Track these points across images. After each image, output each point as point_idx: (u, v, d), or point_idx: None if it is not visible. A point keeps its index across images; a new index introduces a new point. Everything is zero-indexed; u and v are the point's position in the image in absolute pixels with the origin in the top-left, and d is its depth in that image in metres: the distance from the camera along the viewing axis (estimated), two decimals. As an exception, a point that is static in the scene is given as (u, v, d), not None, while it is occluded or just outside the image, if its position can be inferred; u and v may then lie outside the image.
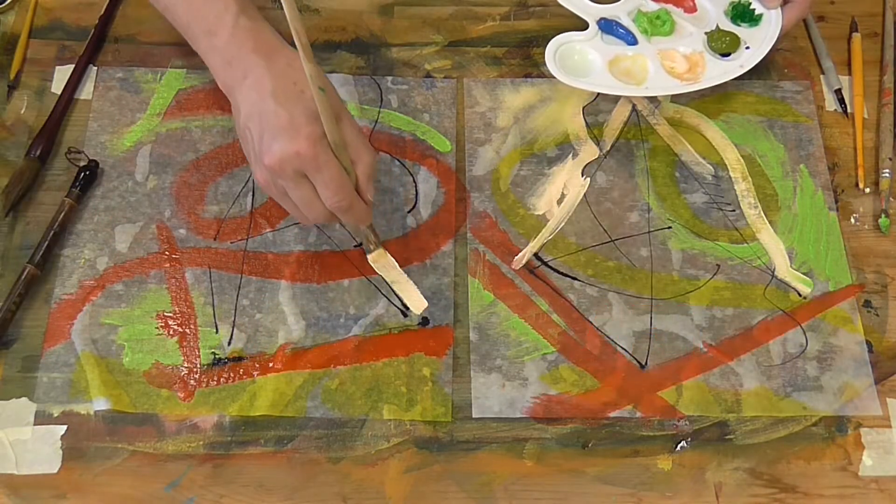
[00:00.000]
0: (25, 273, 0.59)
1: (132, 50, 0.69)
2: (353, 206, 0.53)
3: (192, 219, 0.63)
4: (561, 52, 0.66)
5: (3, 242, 0.61)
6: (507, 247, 0.63)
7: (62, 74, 0.67)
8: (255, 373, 0.58)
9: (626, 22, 0.67)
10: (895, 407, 0.58)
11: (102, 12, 0.70)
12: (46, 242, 0.60)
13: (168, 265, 0.61)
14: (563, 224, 0.64)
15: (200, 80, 0.68)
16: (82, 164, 0.63)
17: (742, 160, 0.67)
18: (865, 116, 0.69)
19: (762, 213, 0.65)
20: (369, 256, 0.60)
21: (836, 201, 0.66)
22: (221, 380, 0.57)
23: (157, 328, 0.59)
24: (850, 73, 0.71)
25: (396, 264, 0.59)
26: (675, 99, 0.69)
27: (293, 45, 0.47)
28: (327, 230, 0.62)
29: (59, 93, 0.66)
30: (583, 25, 0.68)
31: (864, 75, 0.71)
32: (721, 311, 0.61)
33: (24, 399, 0.56)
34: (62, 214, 0.61)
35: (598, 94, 0.69)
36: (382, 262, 0.59)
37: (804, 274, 0.62)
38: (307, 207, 0.53)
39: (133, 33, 0.70)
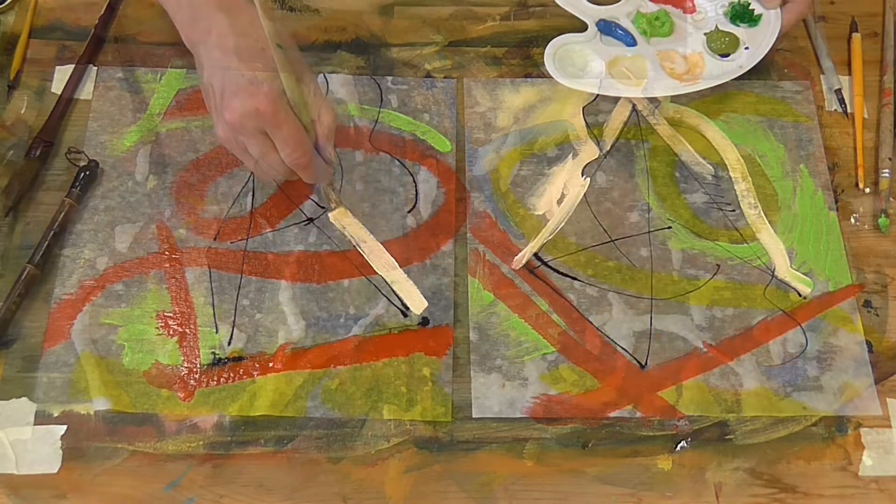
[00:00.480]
0: (25, 273, 0.59)
1: (132, 50, 0.69)
2: (312, 164, 0.55)
3: (192, 219, 0.63)
4: (560, 54, 0.66)
5: (3, 242, 0.61)
6: (507, 247, 0.63)
7: (62, 74, 0.67)
8: (255, 373, 0.58)
9: (625, 23, 0.67)
10: (895, 407, 0.58)
11: (102, 12, 0.70)
12: (46, 242, 0.60)
13: (168, 265, 0.61)
14: (563, 224, 0.64)
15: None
16: (82, 164, 0.63)
17: (742, 160, 0.67)
18: (865, 116, 0.69)
19: (762, 213, 0.65)
20: (330, 215, 0.61)
21: (836, 201, 0.66)
22: (221, 380, 0.57)
23: (157, 328, 0.59)
24: (850, 73, 0.71)
25: (360, 224, 0.61)
26: (675, 99, 0.69)
27: None
28: (327, 230, 0.63)
29: (59, 93, 0.66)
30: (582, 26, 0.68)
31: (864, 75, 0.71)
32: (721, 311, 0.61)
33: (24, 399, 0.56)
34: (62, 214, 0.61)
35: (598, 94, 0.69)
36: (345, 221, 0.61)
37: (804, 274, 0.62)
38: (266, 163, 0.55)
39: (133, 33, 0.70)
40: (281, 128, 0.53)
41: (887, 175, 0.66)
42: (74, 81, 0.67)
